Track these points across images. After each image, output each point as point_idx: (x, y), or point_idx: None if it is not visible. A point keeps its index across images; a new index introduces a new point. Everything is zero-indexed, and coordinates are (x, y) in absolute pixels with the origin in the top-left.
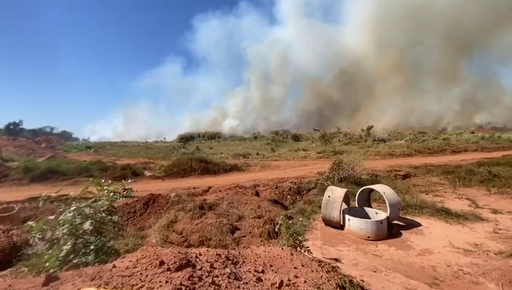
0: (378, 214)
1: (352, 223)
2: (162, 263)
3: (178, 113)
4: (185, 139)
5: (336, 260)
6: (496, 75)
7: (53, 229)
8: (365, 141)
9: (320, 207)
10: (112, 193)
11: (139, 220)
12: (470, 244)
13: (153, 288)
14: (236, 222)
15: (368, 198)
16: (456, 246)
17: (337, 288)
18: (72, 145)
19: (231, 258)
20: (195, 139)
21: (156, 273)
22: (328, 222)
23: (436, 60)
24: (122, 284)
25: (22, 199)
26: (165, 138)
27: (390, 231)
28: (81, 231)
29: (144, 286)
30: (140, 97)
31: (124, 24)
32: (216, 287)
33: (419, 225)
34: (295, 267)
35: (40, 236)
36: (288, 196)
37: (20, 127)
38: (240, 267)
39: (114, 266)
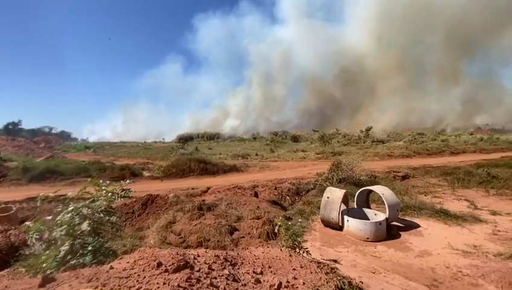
0: (377, 215)
1: (351, 224)
2: (159, 265)
3: (178, 113)
4: (184, 139)
5: (335, 261)
6: (497, 76)
7: (50, 229)
8: (364, 142)
9: (319, 208)
10: (110, 194)
11: (138, 220)
12: (469, 245)
13: None
14: (235, 222)
15: (367, 199)
16: (455, 247)
17: None
18: (70, 145)
19: (229, 260)
20: (194, 140)
21: (153, 275)
22: (327, 223)
23: (438, 60)
24: (119, 285)
25: (20, 199)
26: (163, 139)
27: (389, 232)
28: (78, 232)
29: (141, 287)
30: (140, 97)
31: (124, 24)
32: (214, 289)
33: (418, 226)
34: (294, 269)
35: (37, 236)
36: (287, 197)
37: (19, 127)
38: (239, 268)
39: (111, 268)
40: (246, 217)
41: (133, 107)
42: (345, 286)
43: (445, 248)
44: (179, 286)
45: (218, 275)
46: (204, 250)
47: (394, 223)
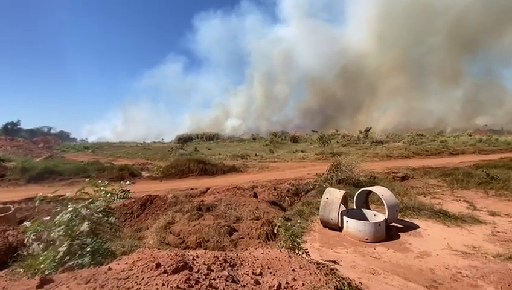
0: (376, 216)
1: (351, 225)
2: (158, 266)
3: (178, 113)
4: (183, 140)
5: (334, 262)
6: (498, 77)
7: (49, 230)
8: (363, 143)
9: (318, 209)
10: (109, 194)
11: (136, 221)
12: (468, 246)
13: None
14: (234, 223)
15: (366, 200)
16: (454, 248)
17: None
18: (69, 145)
19: (229, 261)
20: (194, 140)
21: (152, 276)
22: (326, 224)
23: (438, 60)
24: (117, 287)
25: (18, 199)
26: (163, 139)
27: (389, 233)
28: (77, 233)
29: (139, 289)
30: (140, 97)
31: (124, 24)
32: None
33: (417, 227)
34: (293, 270)
35: (34, 237)
36: (287, 198)
37: (18, 127)
38: (238, 269)
39: (109, 269)
40: (245, 217)
41: (132, 107)
42: (344, 287)
43: (444, 249)
44: (177, 287)
45: (217, 276)
46: (204, 251)
47: (393, 224)
